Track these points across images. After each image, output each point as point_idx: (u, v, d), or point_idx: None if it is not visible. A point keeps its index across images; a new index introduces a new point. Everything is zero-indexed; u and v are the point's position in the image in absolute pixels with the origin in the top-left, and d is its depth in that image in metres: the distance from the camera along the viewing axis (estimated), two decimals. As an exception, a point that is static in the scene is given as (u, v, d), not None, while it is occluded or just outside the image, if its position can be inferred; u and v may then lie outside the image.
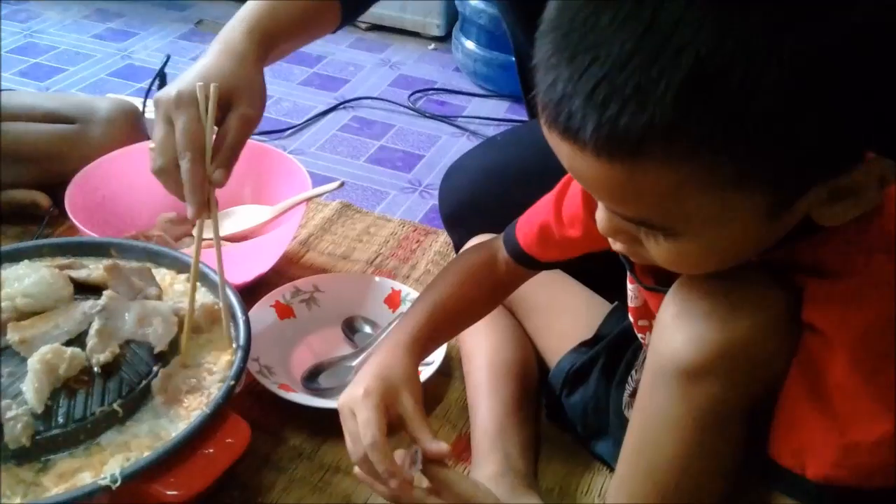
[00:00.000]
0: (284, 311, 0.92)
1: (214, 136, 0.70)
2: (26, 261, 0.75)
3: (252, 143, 1.17)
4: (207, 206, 0.69)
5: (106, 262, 0.75)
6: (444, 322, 0.72)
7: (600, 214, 0.51)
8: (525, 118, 1.35)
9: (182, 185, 0.68)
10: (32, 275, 0.70)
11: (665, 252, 0.48)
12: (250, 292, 0.92)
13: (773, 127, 0.39)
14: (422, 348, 0.70)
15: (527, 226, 0.73)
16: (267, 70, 0.78)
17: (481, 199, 0.99)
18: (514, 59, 1.14)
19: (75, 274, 0.73)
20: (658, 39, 0.38)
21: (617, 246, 0.53)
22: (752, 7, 0.38)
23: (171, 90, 0.69)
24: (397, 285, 0.96)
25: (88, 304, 0.70)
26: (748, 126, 0.39)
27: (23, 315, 0.68)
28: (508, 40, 1.12)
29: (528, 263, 0.74)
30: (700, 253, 0.48)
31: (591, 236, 0.64)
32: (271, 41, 0.78)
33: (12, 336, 0.66)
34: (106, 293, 0.70)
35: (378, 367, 0.65)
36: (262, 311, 0.90)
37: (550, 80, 0.42)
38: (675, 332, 0.51)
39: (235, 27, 0.77)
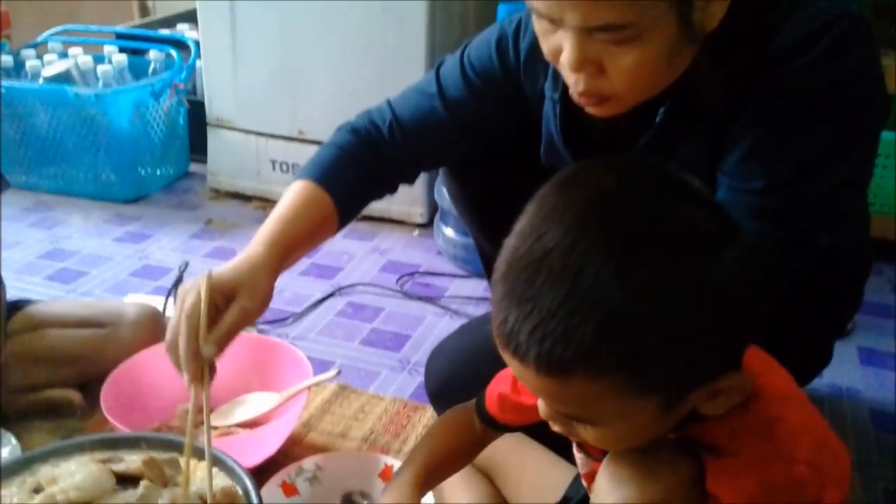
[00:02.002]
0: (290, 490, 1.05)
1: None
2: (77, 456, 0.88)
3: (258, 337, 1.34)
4: (200, 376, 0.85)
5: (142, 455, 0.89)
6: (435, 471, 0.87)
7: (540, 405, 0.67)
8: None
9: (178, 360, 0.85)
10: (82, 470, 0.83)
11: (591, 435, 0.64)
12: (259, 473, 1.05)
13: (660, 357, 0.56)
14: (420, 489, 0.84)
15: (491, 394, 0.89)
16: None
17: (461, 378, 1.14)
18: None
19: (115, 467, 0.87)
20: (577, 297, 0.55)
21: (556, 427, 0.68)
22: (644, 280, 0.55)
23: (190, 282, 0.87)
24: (390, 460, 1.09)
25: (128, 494, 0.83)
26: (643, 356, 0.56)
27: (74, 506, 0.81)
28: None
29: (493, 425, 0.89)
30: (616, 437, 0.64)
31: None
32: (286, 253, 0.95)
33: (66, 526, 0.79)
34: (143, 483, 0.84)
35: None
36: (271, 491, 1.03)
37: (503, 317, 0.59)
38: (608, 495, 0.66)
39: (257, 240, 0.94)
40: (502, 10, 1.67)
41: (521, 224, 0.61)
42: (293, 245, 0.97)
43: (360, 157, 1.05)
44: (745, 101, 0.80)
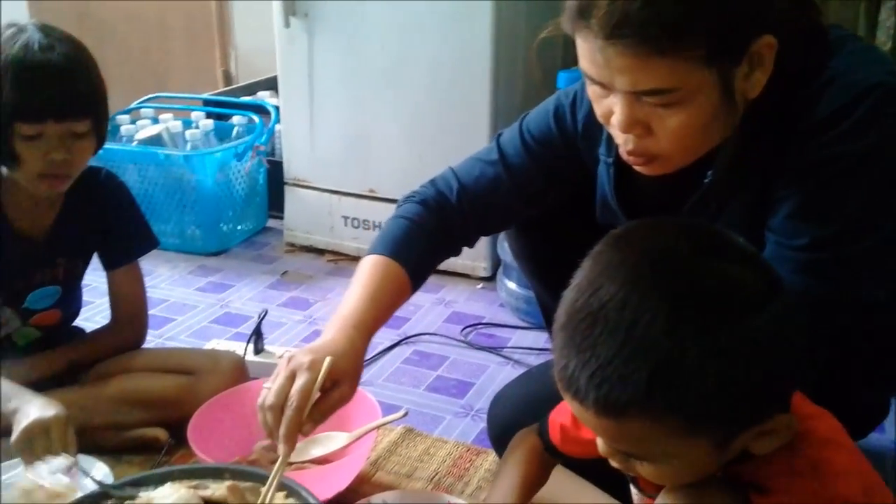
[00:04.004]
0: (360, 523, 1.11)
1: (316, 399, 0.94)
2: (169, 483, 0.97)
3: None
4: (294, 446, 0.93)
5: (227, 482, 0.97)
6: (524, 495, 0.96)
7: (599, 442, 0.72)
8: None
9: (276, 423, 0.92)
10: (175, 494, 0.92)
11: (647, 471, 0.69)
12: (331, 507, 1.12)
13: (708, 402, 0.62)
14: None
15: (554, 423, 0.95)
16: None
17: (522, 424, 1.18)
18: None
19: (203, 492, 0.95)
20: (631, 347, 0.62)
21: (614, 463, 0.74)
22: (690, 332, 0.61)
23: (304, 356, 0.94)
24: (454, 500, 1.15)
25: (215, 516, 0.91)
26: (692, 401, 0.62)
27: (167, 525, 0.90)
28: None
29: (558, 456, 0.96)
30: (671, 473, 0.69)
31: None
32: (371, 331, 1.05)
33: (161, 543, 0.88)
34: (227, 507, 0.92)
35: None
36: (342, 523, 1.09)
37: (563, 364, 0.65)
38: (661, 529, 0.71)
39: (351, 323, 1.01)
40: (562, 77, 1.77)
41: (579, 278, 0.68)
42: (380, 324, 1.06)
43: (428, 228, 1.12)
44: (787, 165, 0.86)
